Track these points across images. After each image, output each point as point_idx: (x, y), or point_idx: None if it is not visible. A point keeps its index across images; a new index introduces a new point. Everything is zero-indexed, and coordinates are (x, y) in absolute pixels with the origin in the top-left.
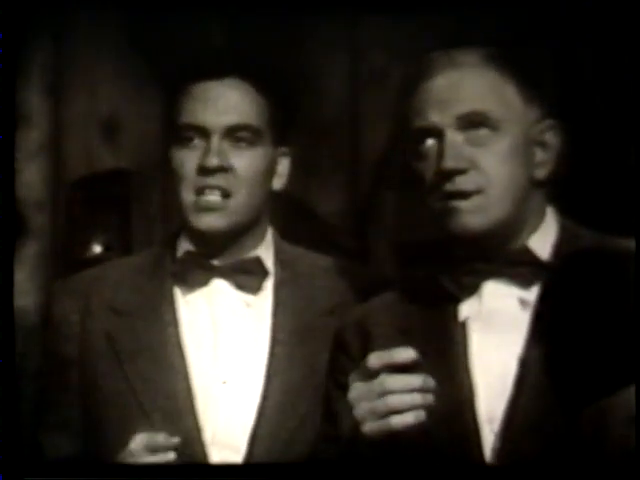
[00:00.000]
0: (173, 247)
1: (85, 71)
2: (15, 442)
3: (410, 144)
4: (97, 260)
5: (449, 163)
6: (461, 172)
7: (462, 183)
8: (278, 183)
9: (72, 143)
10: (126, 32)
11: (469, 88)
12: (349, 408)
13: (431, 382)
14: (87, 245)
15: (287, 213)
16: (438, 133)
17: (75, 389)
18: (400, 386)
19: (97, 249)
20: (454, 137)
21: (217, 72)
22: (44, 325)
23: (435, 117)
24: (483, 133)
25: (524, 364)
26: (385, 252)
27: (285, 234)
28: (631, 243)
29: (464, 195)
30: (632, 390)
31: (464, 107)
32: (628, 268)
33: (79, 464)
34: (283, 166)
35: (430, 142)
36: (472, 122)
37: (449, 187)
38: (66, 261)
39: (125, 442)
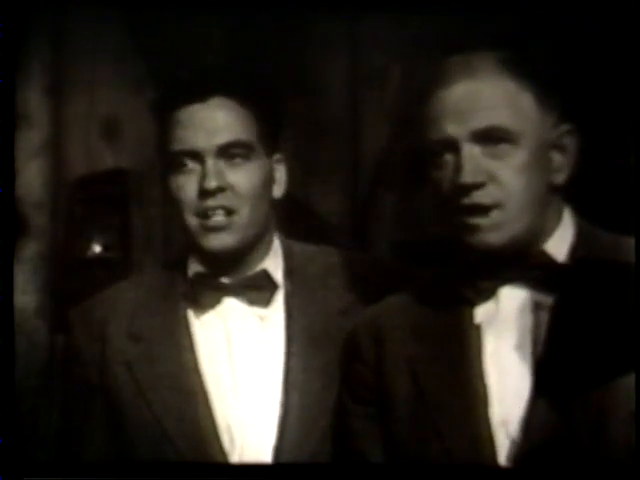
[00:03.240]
0: (183, 269)
1: (85, 71)
2: (15, 442)
3: (426, 154)
4: (97, 260)
5: (467, 178)
6: (479, 186)
7: (480, 197)
8: (278, 190)
9: (72, 143)
10: (126, 32)
11: (485, 101)
12: (367, 423)
13: None
14: (87, 245)
15: (287, 214)
16: (455, 145)
17: (102, 416)
18: None
19: (97, 249)
20: (471, 150)
21: (200, 94)
22: (63, 353)
23: (451, 129)
24: (501, 147)
25: (539, 367)
26: (385, 252)
27: (288, 235)
28: (632, 241)
29: (482, 210)
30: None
31: (481, 122)
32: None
33: (79, 464)
34: (280, 173)
35: (447, 155)
36: (490, 137)
37: (466, 201)
38: (66, 261)
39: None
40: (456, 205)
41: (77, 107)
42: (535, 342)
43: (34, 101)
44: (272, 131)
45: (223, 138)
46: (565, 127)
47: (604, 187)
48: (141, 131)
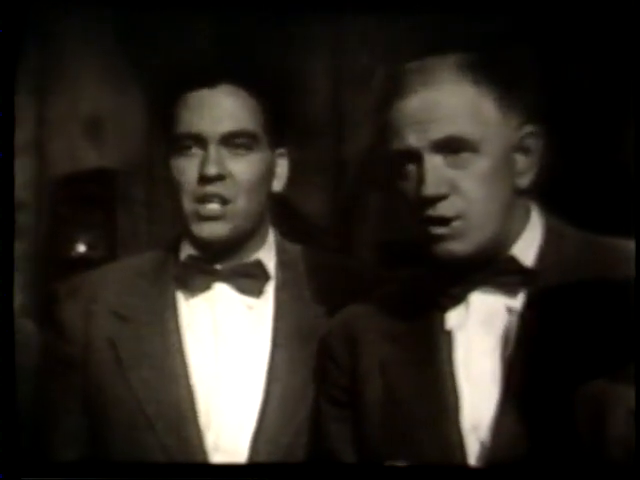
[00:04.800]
0: (175, 251)
1: (69, 71)
2: (14, 442)
3: (390, 164)
4: (81, 260)
5: (429, 190)
6: (442, 198)
7: (443, 209)
8: (278, 185)
9: (56, 142)
10: (110, 31)
11: (444, 110)
12: (339, 425)
13: None
14: (71, 244)
15: (279, 212)
16: (417, 156)
17: (79, 393)
18: None
19: (81, 248)
20: (433, 161)
21: (210, 80)
22: (43, 326)
23: (412, 140)
24: (463, 156)
25: (510, 371)
26: (369, 253)
27: (281, 233)
28: (617, 241)
29: (445, 221)
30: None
31: (440, 131)
32: (612, 267)
33: (78, 464)
34: (281, 168)
35: (410, 165)
36: (450, 147)
37: (430, 212)
38: (50, 260)
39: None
40: (421, 216)
41: (61, 107)
42: (506, 347)
43: (18, 101)
44: (278, 124)
45: (228, 126)
46: (528, 129)
47: (577, 185)
48: (125, 130)
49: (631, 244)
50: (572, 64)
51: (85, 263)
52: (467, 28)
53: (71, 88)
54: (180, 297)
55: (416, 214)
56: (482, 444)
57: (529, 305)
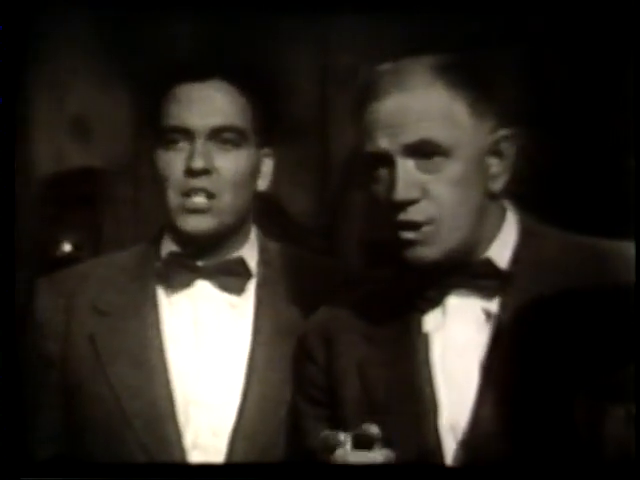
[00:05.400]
0: (157, 247)
1: (54, 69)
2: (12, 442)
3: (363, 167)
4: (66, 259)
5: (400, 195)
6: (412, 203)
7: (413, 213)
8: (262, 184)
9: (41, 141)
10: (94, 30)
11: (417, 113)
12: (317, 424)
13: (391, 455)
14: (57, 244)
15: (262, 211)
16: (389, 159)
17: (55, 390)
18: (362, 462)
19: (67, 248)
20: (405, 164)
21: (200, 74)
22: (23, 321)
23: (384, 144)
24: (434, 160)
25: (487, 372)
26: (353, 252)
27: (263, 232)
28: (597, 240)
29: (414, 226)
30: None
31: (412, 135)
32: (591, 266)
33: (76, 464)
34: (267, 167)
35: (382, 169)
36: (422, 151)
37: (401, 217)
38: (36, 260)
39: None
40: (392, 220)
41: (46, 105)
42: (482, 349)
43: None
44: (266, 123)
45: (217, 121)
46: (503, 132)
47: (555, 185)
48: (111, 130)
49: (612, 243)
50: (553, 65)
51: (71, 263)
52: (453, 29)
53: (57, 87)
54: (161, 293)
55: (388, 218)
56: (459, 444)
57: (505, 307)
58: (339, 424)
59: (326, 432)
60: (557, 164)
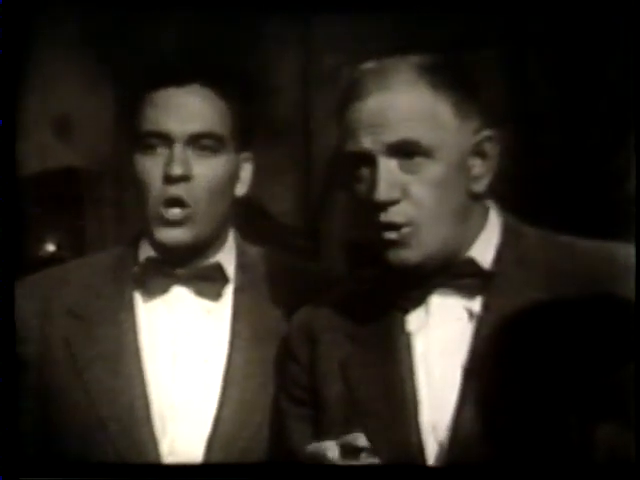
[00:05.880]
0: (135, 251)
1: (38, 69)
2: (12, 442)
3: (346, 167)
4: (50, 259)
5: (382, 194)
6: (394, 203)
7: (393, 214)
8: (241, 189)
9: (25, 141)
10: (79, 30)
11: (400, 113)
12: (300, 424)
13: (376, 462)
14: (40, 244)
15: (241, 213)
16: (371, 159)
17: (31, 394)
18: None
19: (50, 248)
20: (387, 164)
21: (179, 79)
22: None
23: (367, 143)
24: (416, 160)
25: (469, 372)
26: (336, 252)
27: (242, 234)
28: (579, 240)
29: (394, 227)
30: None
31: (395, 135)
32: (573, 265)
33: (76, 464)
34: (246, 172)
35: (364, 168)
36: (404, 150)
37: (382, 217)
38: (18, 260)
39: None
40: (373, 220)
41: (30, 105)
42: (465, 348)
43: None
44: (245, 128)
45: (196, 127)
46: (486, 133)
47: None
48: (94, 130)
49: (593, 242)
50: (537, 65)
51: (54, 263)
52: (438, 29)
53: (40, 87)
54: (138, 298)
55: (370, 218)
56: (441, 444)
57: (488, 306)
58: (322, 424)
59: (314, 444)
60: (540, 164)
